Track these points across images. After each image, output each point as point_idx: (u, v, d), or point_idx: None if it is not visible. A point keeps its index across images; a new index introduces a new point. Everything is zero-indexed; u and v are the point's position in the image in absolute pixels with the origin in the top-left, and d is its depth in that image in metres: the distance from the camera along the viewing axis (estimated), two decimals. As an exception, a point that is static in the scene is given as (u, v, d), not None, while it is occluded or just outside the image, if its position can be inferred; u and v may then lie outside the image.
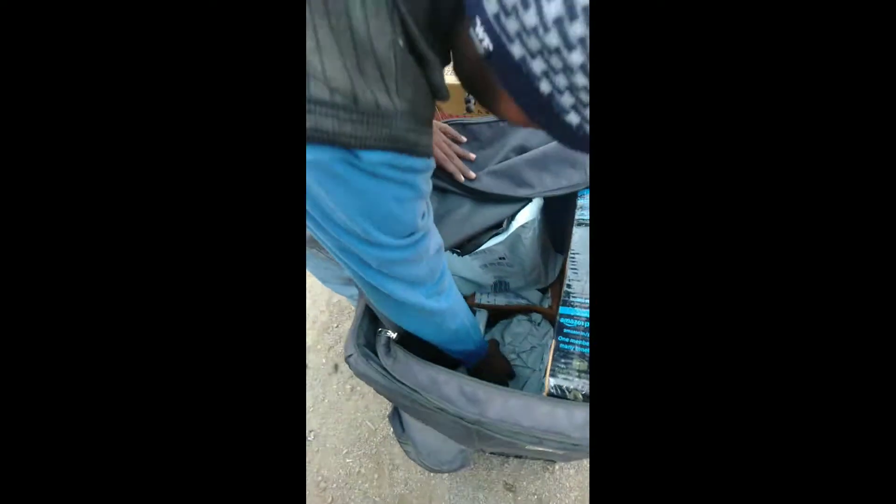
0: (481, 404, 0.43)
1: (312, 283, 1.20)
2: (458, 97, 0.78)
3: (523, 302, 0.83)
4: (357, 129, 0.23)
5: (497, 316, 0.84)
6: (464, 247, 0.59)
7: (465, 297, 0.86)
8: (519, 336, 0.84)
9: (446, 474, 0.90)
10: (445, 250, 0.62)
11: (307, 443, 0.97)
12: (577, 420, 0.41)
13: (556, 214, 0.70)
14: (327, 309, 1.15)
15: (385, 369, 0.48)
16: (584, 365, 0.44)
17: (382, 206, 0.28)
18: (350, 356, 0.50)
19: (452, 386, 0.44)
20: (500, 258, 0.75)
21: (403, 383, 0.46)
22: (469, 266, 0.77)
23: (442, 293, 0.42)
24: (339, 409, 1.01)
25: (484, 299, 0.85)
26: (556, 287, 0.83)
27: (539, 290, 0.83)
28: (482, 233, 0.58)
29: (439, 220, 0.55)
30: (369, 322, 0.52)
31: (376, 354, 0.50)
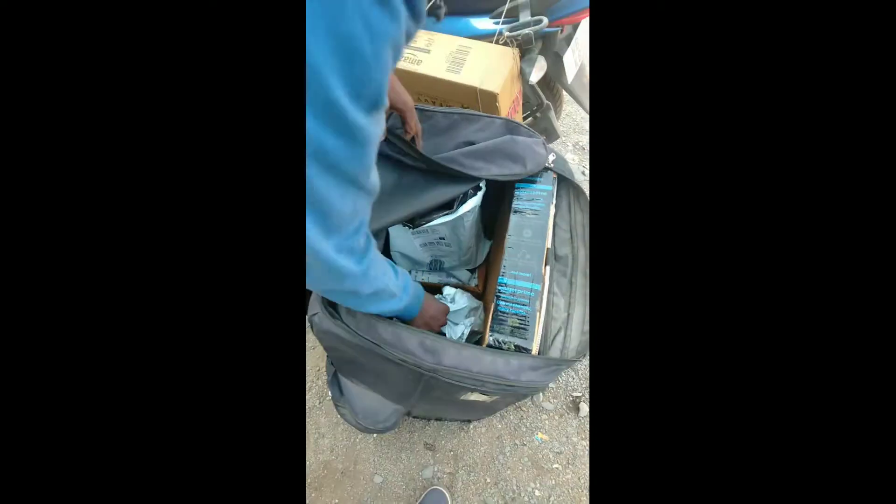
0: (438, 354, 0.51)
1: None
2: (462, 96, 0.84)
3: (454, 281, 0.93)
4: None
5: (431, 291, 0.93)
6: (415, 222, 0.66)
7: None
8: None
9: (371, 438, 0.96)
10: (400, 223, 0.68)
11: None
12: (512, 366, 0.51)
13: (490, 205, 0.81)
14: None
15: (349, 326, 0.52)
16: (516, 322, 0.54)
17: (364, 54, 0.26)
18: (315, 314, 0.54)
19: (413, 340, 0.51)
20: (440, 238, 0.83)
21: (367, 338, 0.52)
22: (411, 243, 0.84)
23: (355, 252, 0.38)
24: (260, 382, 0.99)
25: (420, 276, 0.92)
26: (482, 269, 0.94)
27: (468, 270, 0.93)
28: (433, 210, 0.65)
29: (397, 191, 0.61)
30: (332, 285, 0.56)
31: (338, 315, 0.54)
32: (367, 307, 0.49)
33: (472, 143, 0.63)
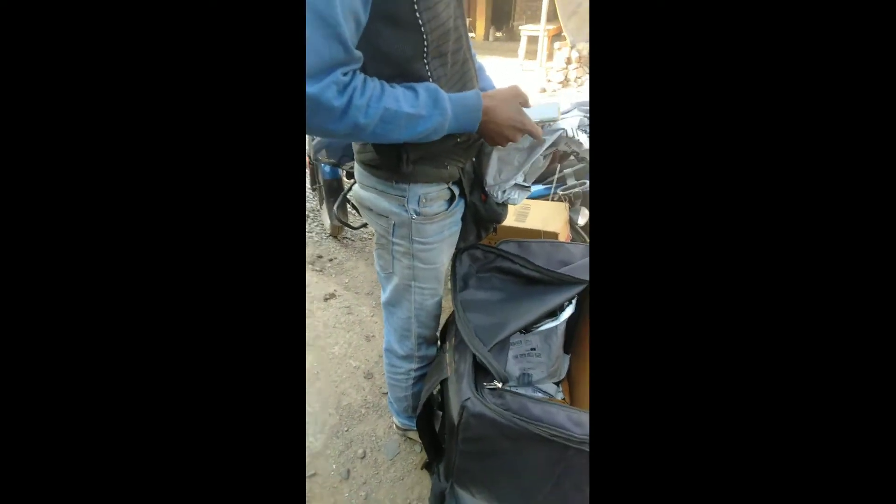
0: (584, 426, 0.58)
1: (321, 387, 1.22)
2: (528, 237, 1.09)
3: (540, 395, 0.99)
4: None
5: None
6: (529, 328, 0.79)
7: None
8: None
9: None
10: (520, 331, 0.80)
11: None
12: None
13: (571, 322, 0.95)
14: (336, 412, 1.15)
15: (500, 407, 0.61)
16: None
17: None
18: (467, 399, 0.63)
19: (562, 415, 0.59)
20: (531, 349, 0.94)
21: (519, 416, 0.60)
22: (507, 358, 0.95)
23: (333, 88, 0.47)
24: (349, 522, 0.95)
25: (509, 391, 0.99)
26: (565, 382, 1.02)
27: (554, 383, 1.01)
28: (542, 317, 0.79)
29: (519, 300, 0.76)
30: (475, 376, 0.67)
31: (485, 399, 0.63)
32: (390, 136, 0.54)
33: (566, 262, 0.82)
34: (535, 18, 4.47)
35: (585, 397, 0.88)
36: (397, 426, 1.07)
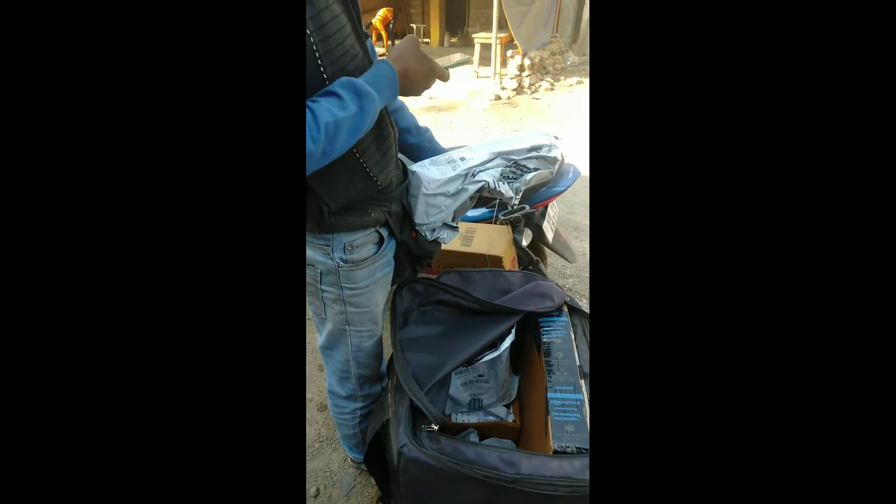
0: (516, 465, 0.60)
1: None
2: (474, 261, 1.09)
3: (492, 418, 1.01)
4: None
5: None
6: (471, 362, 0.81)
7: (444, 414, 1.01)
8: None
9: None
10: (460, 366, 0.81)
11: None
12: (576, 467, 0.60)
13: (514, 346, 0.97)
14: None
15: (434, 451, 0.62)
16: (573, 428, 0.66)
17: None
18: (403, 445, 0.63)
19: (494, 456, 0.61)
20: (478, 375, 0.96)
21: (453, 461, 0.61)
22: (455, 385, 0.96)
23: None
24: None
25: (460, 418, 1.00)
26: (515, 404, 1.04)
27: (504, 405, 1.03)
28: (483, 349, 0.81)
29: (461, 333, 0.78)
30: (413, 420, 0.67)
31: (422, 444, 0.64)
32: (338, 148, 0.52)
33: (506, 290, 0.84)
34: (487, 26, 4.54)
35: (535, 417, 0.90)
36: (352, 460, 1.06)
